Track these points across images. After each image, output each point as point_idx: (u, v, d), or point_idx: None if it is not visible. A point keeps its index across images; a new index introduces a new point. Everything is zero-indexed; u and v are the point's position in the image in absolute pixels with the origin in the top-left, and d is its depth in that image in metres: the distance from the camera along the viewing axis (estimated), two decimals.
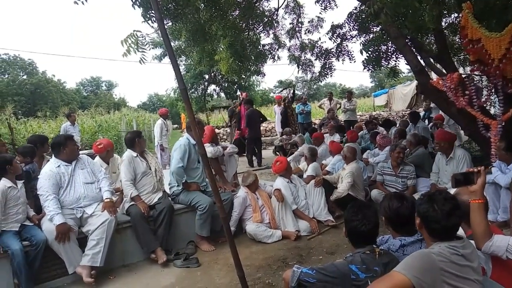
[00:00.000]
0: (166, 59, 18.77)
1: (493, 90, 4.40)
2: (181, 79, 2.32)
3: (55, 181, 3.47)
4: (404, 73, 7.15)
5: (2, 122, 12.18)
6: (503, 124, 3.96)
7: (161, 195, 4.22)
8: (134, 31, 3.61)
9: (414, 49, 5.41)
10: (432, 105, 11.15)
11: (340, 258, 3.61)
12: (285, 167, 4.76)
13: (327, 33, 7.28)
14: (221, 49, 7.70)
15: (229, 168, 5.35)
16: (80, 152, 4.36)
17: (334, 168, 5.83)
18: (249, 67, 8.32)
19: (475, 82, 4.60)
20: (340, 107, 11.60)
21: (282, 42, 9.14)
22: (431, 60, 6.08)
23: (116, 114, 20.64)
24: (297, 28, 8.89)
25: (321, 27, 8.78)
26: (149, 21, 4.87)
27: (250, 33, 7.80)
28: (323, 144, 6.89)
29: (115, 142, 12.68)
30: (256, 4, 7.59)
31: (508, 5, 4.63)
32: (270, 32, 8.64)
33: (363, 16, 6.93)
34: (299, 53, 9.13)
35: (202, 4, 6.42)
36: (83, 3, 4.40)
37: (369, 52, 6.34)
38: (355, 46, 11.58)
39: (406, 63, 5.72)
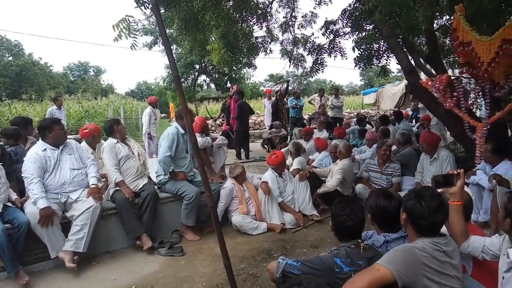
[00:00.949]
0: (156, 47, 18.51)
1: (480, 93, 4.48)
2: (174, 65, 2.29)
3: (40, 164, 3.41)
4: (393, 72, 7.24)
5: None
6: (489, 127, 4.05)
7: (145, 182, 4.19)
8: (126, 16, 3.56)
9: (405, 49, 5.46)
10: (420, 105, 11.31)
11: (324, 251, 3.67)
12: (280, 161, 4.77)
13: (321, 29, 7.29)
14: (213, 39, 7.64)
15: (217, 160, 5.33)
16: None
17: (321, 164, 5.88)
18: (240, 59, 8.29)
19: (463, 84, 4.67)
20: (328, 103, 11.68)
21: (275, 35, 9.13)
22: (421, 60, 6.16)
23: (104, 100, 20.35)
24: (290, 22, 8.87)
25: (314, 22, 8.80)
26: (142, 7, 4.79)
27: (243, 24, 7.75)
28: (312, 139, 6.93)
29: (102, 128, 12.50)
30: None
31: (499, 9, 4.70)
32: (263, 25, 8.60)
33: (357, 14, 6.95)
34: (291, 47, 9.14)
35: None
36: None
37: (361, 50, 6.38)
38: (347, 43, 11.69)
39: (397, 63, 5.78)
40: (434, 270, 1.66)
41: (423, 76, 5.97)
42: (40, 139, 3.63)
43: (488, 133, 4.03)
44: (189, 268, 3.47)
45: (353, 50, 6.47)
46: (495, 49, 3.64)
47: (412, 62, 5.39)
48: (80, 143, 4.33)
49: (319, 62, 7.50)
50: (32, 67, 37.01)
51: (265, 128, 12.82)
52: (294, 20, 8.81)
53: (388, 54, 6.59)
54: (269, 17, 8.55)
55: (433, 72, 5.79)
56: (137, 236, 3.84)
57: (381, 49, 6.66)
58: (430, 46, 6.03)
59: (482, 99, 4.54)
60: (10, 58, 36.83)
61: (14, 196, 3.52)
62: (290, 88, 12.32)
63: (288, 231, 4.35)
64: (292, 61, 9.08)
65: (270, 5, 8.33)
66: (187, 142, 4.53)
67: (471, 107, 4.67)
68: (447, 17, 6.33)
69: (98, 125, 5.99)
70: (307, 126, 8.36)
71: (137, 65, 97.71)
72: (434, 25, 6.20)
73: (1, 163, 3.50)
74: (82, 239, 3.38)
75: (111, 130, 4.17)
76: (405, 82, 18.72)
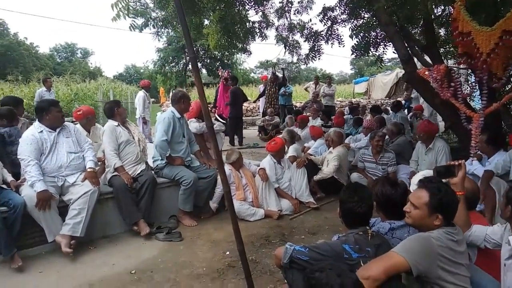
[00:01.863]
0: (147, 30, 18.12)
1: (476, 84, 4.51)
2: (191, 46, 2.21)
3: (36, 146, 3.32)
4: (385, 62, 7.23)
5: None
6: (485, 117, 4.09)
7: (143, 167, 4.14)
8: None
9: (403, 38, 5.46)
10: (412, 95, 11.40)
11: (322, 238, 3.71)
12: (279, 148, 4.75)
13: (318, 15, 7.21)
14: (209, 23, 7.49)
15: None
16: None
17: (317, 151, 5.90)
18: (237, 43, 8.17)
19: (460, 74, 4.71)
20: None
21: (271, 21, 8.99)
22: (418, 50, 6.17)
23: (92, 83, 19.98)
24: (286, 8, 8.75)
25: (311, 8, 8.68)
26: None
27: (240, 8, 7.61)
28: (307, 127, 6.93)
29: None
30: None
31: (498, 0, 4.72)
32: (260, 9, 8.46)
33: (355, 0, 6.89)
34: (287, 33, 9.02)
35: None
36: None
37: (359, 38, 6.35)
38: (344, 30, 11.62)
39: (394, 51, 5.77)
40: (448, 259, 1.68)
41: (419, 66, 6.00)
42: (37, 120, 3.54)
43: (484, 124, 4.09)
44: (188, 253, 3.46)
45: (351, 37, 6.45)
46: (495, 40, 3.66)
47: (409, 51, 5.39)
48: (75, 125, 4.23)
49: (316, 49, 7.43)
50: (18, 48, 36.06)
51: (258, 114, 12.78)
52: (290, 5, 8.68)
53: (385, 43, 6.57)
54: (265, 2, 8.42)
55: (430, 62, 5.82)
56: (135, 222, 3.81)
57: (378, 37, 6.64)
58: (427, 35, 6.04)
59: (476, 90, 4.59)
60: None
61: (9, 178, 3.44)
62: (280, 75, 12.18)
63: (285, 218, 4.37)
64: (287, 47, 8.98)
65: None
66: (183, 127, 4.48)
67: (467, 98, 4.73)
68: (442, 7, 6.32)
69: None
70: (303, 114, 8.33)
71: (126, 48, 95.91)
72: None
73: None
74: (80, 223, 3.33)
75: (112, 113, 4.08)
76: (396, 72, 18.87)
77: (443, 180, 2.28)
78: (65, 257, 3.29)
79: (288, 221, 4.28)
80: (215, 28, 6.92)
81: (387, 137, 5.63)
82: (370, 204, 2.14)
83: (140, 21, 17.63)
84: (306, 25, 8.02)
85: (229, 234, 3.77)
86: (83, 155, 3.68)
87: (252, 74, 43.37)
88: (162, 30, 18.00)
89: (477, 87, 4.46)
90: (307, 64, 8.81)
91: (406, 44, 5.38)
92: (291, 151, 5.42)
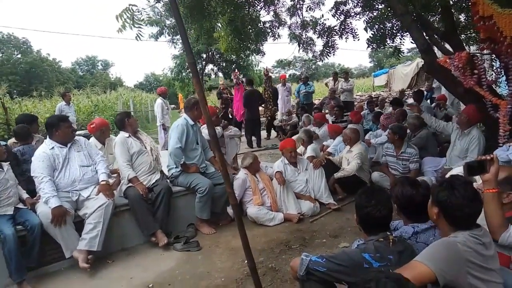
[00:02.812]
0: (162, 38, 18.34)
1: (502, 70, 4.26)
2: (190, 51, 2.12)
3: (49, 163, 3.33)
4: (403, 52, 6.95)
5: None
6: None
7: (158, 177, 4.09)
8: (129, 5, 3.41)
9: (420, 27, 5.22)
10: (434, 85, 10.99)
11: (344, 241, 3.57)
12: (284, 145, 4.67)
13: (330, 10, 7.03)
14: (220, 26, 7.43)
15: (229, 151, 5.23)
16: (76, 132, 4.20)
17: (336, 149, 5.72)
18: (249, 45, 8.07)
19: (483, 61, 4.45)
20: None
21: (283, 19, 8.85)
22: (437, 38, 5.90)
23: (113, 94, 20.37)
24: (298, 5, 8.60)
25: (323, 4, 8.47)
26: None
27: (250, 9, 7.52)
28: (325, 125, 6.74)
29: (112, 122, 12.50)
30: None
31: None
32: (271, 9, 8.34)
33: None
34: (300, 31, 8.86)
35: None
36: None
37: (374, 30, 6.14)
38: (359, 24, 11.29)
39: (411, 42, 5.54)
40: (478, 265, 1.52)
41: (439, 54, 5.74)
42: (47, 137, 3.55)
43: None
44: (206, 263, 3.38)
45: (366, 30, 6.24)
46: None
47: (428, 40, 5.16)
48: (89, 139, 4.23)
49: (330, 44, 7.25)
50: (41, 64, 37.23)
51: (277, 115, 12.61)
52: (302, 2, 8.52)
53: (402, 34, 6.32)
54: (276, 1, 8.29)
55: (450, 49, 5.55)
56: (152, 233, 3.76)
57: (394, 28, 6.40)
58: (446, 22, 5.76)
59: (502, 75, 4.32)
60: (19, 56, 37.09)
61: (25, 195, 3.46)
62: (297, 73, 11.95)
63: (306, 220, 4.23)
64: (301, 45, 8.81)
65: None
66: (197, 133, 4.42)
67: (493, 85, 4.46)
68: None
69: (107, 119, 5.91)
70: (318, 112, 8.12)
71: (144, 57, 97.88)
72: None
73: (8, 162, 3.43)
74: (96, 237, 3.31)
75: (122, 124, 4.05)
76: (417, 62, 18.32)
77: (475, 177, 2.10)
78: (83, 273, 3.28)
79: (309, 224, 4.14)
80: (225, 30, 6.86)
81: (408, 131, 5.39)
82: (389, 207, 1.99)
83: (155, 29, 17.94)
84: (319, 21, 7.84)
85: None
86: (95, 168, 3.66)
87: (269, 74, 43.21)
88: (176, 37, 18.32)
89: (502, 72, 4.20)
90: (322, 61, 8.62)
91: (424, 33, 5.15)
92: (309, 151, 5.28)
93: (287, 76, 12.37)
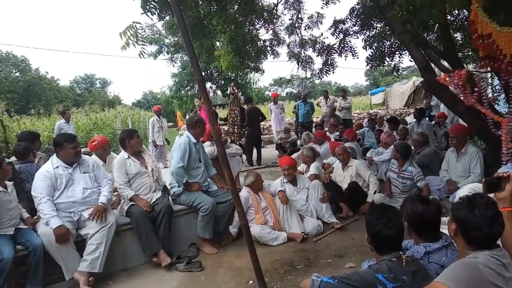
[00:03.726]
0: (161, 56, 18.51)
1: (501, 88, 4.29)
2: (197, 68, 2.13)
3: (50, 183, 3.28)
4: (402, 70, 7.00)
5: None
6: None
7: (159, 195, 4.02)
8: (133, 22, 3.43)
9: (419, 46, 5.29)
10: (432, 103, 11.07)
11: (349, 261, 3.50)
12: (283, 162, 4.67)
13: (329, 29, 7.13)
14: (220, 44, 7.51)
15: (231, 169, 5.17)
16: None
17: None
18: (249, 63, 8.15)
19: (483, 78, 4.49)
20: (336, 105, 11.49)
21: (281, 38, 8.97)
22: (435, 56, 5.98)
23: (111, 111, 20.37)
24: (296, 24, 8.72)
25: (321, 23, 8.62)
26: (149, 13, 4.69)
27: (250, 28, 7.62)
28: (326, 143, 6.73)
29: (111, 140, 12.45)
30: None
31: None
32: (270, 27, 8.45)
33: (366, 11, 6.79)
34: (298, 49, 8.97)
35: None
36: None
37: (373, 49, 6.22)
38: (357, 42, 11.38)
39: (410, 60, 5.60)
40: (499, 287, 1.48)
41: (437, 72, 5.80)
42: (55, 154, 3.51)
43: None
44: (209, 284, 3.30)
45: (365, 48, 6.32)
46: None
47: (426, 58, 5.21)
48: (90, 156, 4.19)
49: (329, 63, 7.32)
50: (40, 82, 37.41)
51: (273, 133, 12.60)
52: (300, 21, 8.66)
53: (400, 52, 6.41)
54: (275, 20, 8.41)
55: (449, 67, 5.61)
56: (154, 253, 3.68)
57: (393, 46, 6.49)
58: (444, 40, 5.84)
59: (501, 93, 4.36)
60: (18, 74, 37.29)
61: (25, 215, 3.40)
62: (294, 91, 12.04)
63: (310, 240, 4.16)
64: (300, 63, 8.90)
65: (275, 8, 8.20)
66: (200, 151, 4.39)
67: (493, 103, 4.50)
68: (457, 11, 6.14)
69: (106, 137, 5.87)
70: (319, 130, 8.13)
71: (143, 75, 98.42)
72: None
73: (12, 182, 3.38)
74: (98, 258, 3.24)
75: (123, 144, 3.99)
76: (413, 80, 18.52)
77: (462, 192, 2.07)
78: None
79: (313, 243, 4.07)
80: (226, 49, 6.93)
81: (413, 148, 5.39)
82: (400, 226, 1.96)
83: (154, 48, 18.12)
84: (318, 40, 7.94)
85: (250, 261, 3.59)
86: (99, 190, 3.61)
87: (267, 92, 43.57)
88: (176, 55, 18.49)
89: (502, 90, 4.23)
90: (321, 79, 8.70)
91: (422, 51, 5.21)
92: (312, 169, 5.23)
93: (284, 94, 12.43)
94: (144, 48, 3.68)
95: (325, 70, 7.49)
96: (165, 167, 7.69)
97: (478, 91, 4.03)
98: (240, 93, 10.02)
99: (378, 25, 6.97)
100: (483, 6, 3.72)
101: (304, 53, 8.88)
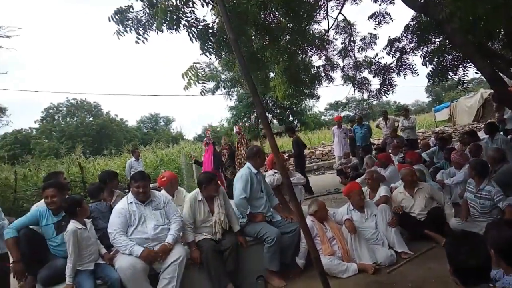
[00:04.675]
0: (219, 91, 19.32)
1: None
2: (260, 102, 2.19)
3: (124, 220, 3.48)
4: (468, 84, 6.53)
5: (73, 161, 13.05)
6: None
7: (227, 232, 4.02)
8: (194, 63, 3.63)
9: (484, 56, 4.97)
10: (505, 116, 10.20)
11: None
12: (348, 190, 4.52)
13: (385, 48, 6.99)
14: (274, 75, 7.67)
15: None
16: None
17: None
18: (304, 90, 8.20)
19: None
20: (398, 125, 10.98)
21: (335, 62, 8.94)
22: (504, 65, 5.58)
23: (175, 147, 21.36)
24: (349, 47, 8.68)
25: (375, 43, 8.50)
26: (207, 53, 4.94)
27: (303, 56, 7.72)
28: (391, 166, 6.42)
29: (176, 174, 12.98)
30: (307, 28, 7.53)
31: None
32: (322, 53, 8.49)
33: (422, 27, 6.58)
34: (353, 72, 8.87)
35: (254, 33, 6.47)
36: (143, 42, 4.57)
37: (434, 64, 5.96)
38: (416, 59, 10.96)
39: (476, 72, 5.27)
40: None
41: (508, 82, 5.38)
42: (130, 191, 3.75)
43: None
44: None
45: (425, 64, 6.08)
46: None
47: (494, 69, 4.87)
48: (159, 191, 4.38)
49: (387, 82, 7.12)
50: (110, 124, 40.58)
51: (334, 158, 12.32)
52: (353, 44, 8.60)
53: (464, 65, 6.06)
54: (327, 46, 8.45)
55: None
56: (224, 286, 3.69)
57: (455, 60, 6.16)
58: None
59: None
60: (91, 119, 40.83)
61: (103, 250, 3.59)
62: (351, 114, 11.74)
63: (382, 271, 3.91)
64: (355, 85, 8.77)
65: (327, 34, 8.25)
66: (261, 181, 4.42)
67: None
68: None
69: (172, 171, 6.12)
70: (381, 152, 7.80)
71: (202, 111, 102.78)
72: None
73: (90, 220, 3.62)
74: None
75: (200, 187, 4.04)
76: (480, 93, 17.30)
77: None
78: None
79: (386, 275, 3.82)
80: (281, 79, 7.05)
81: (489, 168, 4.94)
82: (486, 253, 1.77)
83: (211, 84, 18.98)
84: (373, 60, 7.80)
85: None
86: (169, 227, 3.71)
87: (323, 117, 43.23)
88: (232, 89, 19.19)
89: None
90: (379, 99, 8.48)
91: (489, 62, 4.88)
92: (383, 191, 4.99)
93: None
94: (204, 86, 3.86)
95: (383, 90, 7.32)
96: None
97: None
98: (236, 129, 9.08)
99: (437, 40, 6.72)
100: None
101: (360, 75, 8.76)
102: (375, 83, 8.63)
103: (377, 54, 7.86)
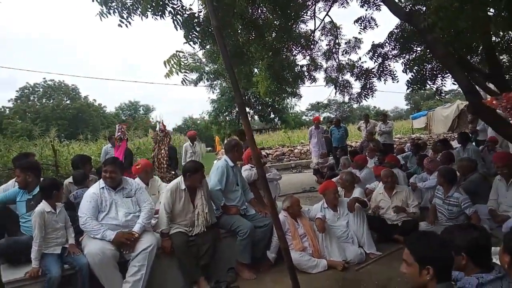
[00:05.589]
0: (201, 83, 19.19)
1: None
2: (238, 92, 2.20)
3: (95, 204, 3.44)
4: (445, 94, 6.71)
5: (47, 144, 12.67)
6: None
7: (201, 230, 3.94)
8: (176, 51, 3.60)
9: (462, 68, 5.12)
10: (478, 127, 10.56)
11: None
12: (324, 188, 4.58)
13: (368, 53, 7.11)
14: (258, 71, 7.68)
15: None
16: None
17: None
18: (287, 88, 8.25)
19: None
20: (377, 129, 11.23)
21: (319, 63, 9.03)
22: (481, 79, 5.77)
23: None
24: (334, 50, 8.78)
25: (359, 48, 8.62)
26: (191, 42, 4.90)
27: (287, 54, 7.75)
28: (366, 168, 6.56)
29: (152, 163, 12.83)
30: (293, 27, 7.57)
31: None
32: (307, 53, 8.55)
33: (405, 35, 6.72)
34: (336, 74, 8.98)
35: (241, 26, 6.46)
36: (126, 26, 4.49)
37: (414, 72, 6.10)
38: (397, 66, 11.17)
39: (453, 83, 5.45)
40: None
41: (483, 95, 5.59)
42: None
43: None
44: None
45: (405, 72, 6.22)
46: None
47: (471, 81, 5.04)
48: (134, 179, 4.33)
49: (368, 87, 7.25)
50: (88, 109, 39.65)
51: (311, 158, 12.44)
52: (338, 47, 8.71)
53: (443, 75, 6.23)
54: (312, 46, 8.52)
55: (496, 90, 5.39)
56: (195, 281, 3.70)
57: (435, 70, 6.33)
58: (490, 63, 5.65)
59: None
60: (68, 102, 39.77)
61: (71, 240, 3.44)
62: (331, 115, 11.90)
63: (351, 269, 4.00)
64: (337, 88, 8.88)
65: (313, 34, 8.31)
66: (237, 175, 4.44)
67: None
68: (501, 33, 5.92)
69: (148, 159, 6.04)
70: (360, 155, 7.95)
71: (183, 102, 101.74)
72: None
73: (63, 204, 3.55)
74: (140, 280, 3.29)
75: (184, 175, 3.93)
76: (457, 104, 17.85)
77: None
78: None
79: (355, 272, 3.92)
80: (264, 75, 7.07)
81: (458, 174, 5.12)
82: (450, 253, 1.85)
83: (194, 75, 18.84)
84: (356, 64, 7.92)
85: None
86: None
87: (304, 117, 43.59)
88: (215, 82, 19.12)
89: None
90: (359, 103, 8.61)
91: (467, 74, 5.04)
92: (356, 193, 5.09)
93: (321, 119, 12.29)
94: (186, 76, 3.83)
95: (363, 94, 7.44)
96: None
97: None
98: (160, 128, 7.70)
99: (418, 49, 6.87)
100: None
101: (342, 77, 8.88)
102: (356, 86, 8.76)
103: (360, 58, 7.99)
